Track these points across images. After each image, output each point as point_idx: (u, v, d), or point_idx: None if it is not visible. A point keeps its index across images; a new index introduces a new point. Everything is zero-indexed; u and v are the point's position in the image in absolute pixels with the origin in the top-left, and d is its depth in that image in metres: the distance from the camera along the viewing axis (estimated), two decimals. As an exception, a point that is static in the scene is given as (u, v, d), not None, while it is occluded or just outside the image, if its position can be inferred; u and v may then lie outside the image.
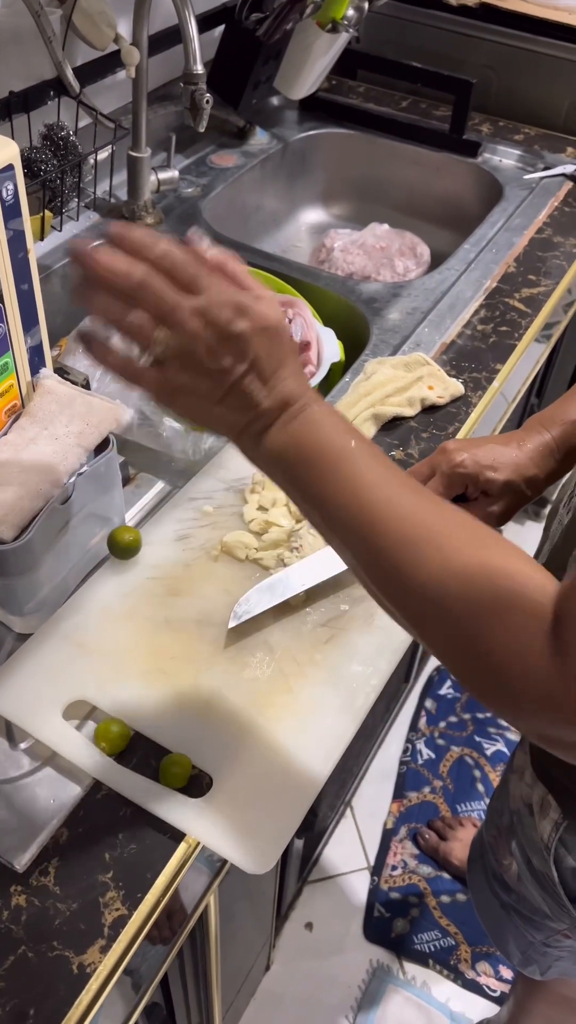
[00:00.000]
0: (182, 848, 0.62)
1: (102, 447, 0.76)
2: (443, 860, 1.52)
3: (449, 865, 1.51)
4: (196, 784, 0.65)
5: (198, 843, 0.62)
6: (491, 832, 0.97)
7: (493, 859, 0.97)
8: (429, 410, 0.98)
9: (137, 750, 0.67)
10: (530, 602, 0.47)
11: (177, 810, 0.63)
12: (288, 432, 0.54)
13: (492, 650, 0.47)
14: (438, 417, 0.97)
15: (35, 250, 1.13)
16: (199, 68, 1.01)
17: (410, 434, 0.95)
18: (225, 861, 0.69)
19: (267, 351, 0.53)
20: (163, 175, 1.26)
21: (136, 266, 0.51)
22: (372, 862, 1.54)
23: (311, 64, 1.39)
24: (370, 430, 0.94)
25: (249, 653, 0.72)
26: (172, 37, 1.28)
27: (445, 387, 0.99)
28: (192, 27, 1.00)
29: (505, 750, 1.69)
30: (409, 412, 0.97)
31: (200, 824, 0.62)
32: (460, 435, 0.95)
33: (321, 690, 0.70)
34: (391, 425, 0.96)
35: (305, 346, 1.06)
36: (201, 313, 0.51)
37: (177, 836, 0.62)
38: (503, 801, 0.91)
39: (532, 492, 0.74)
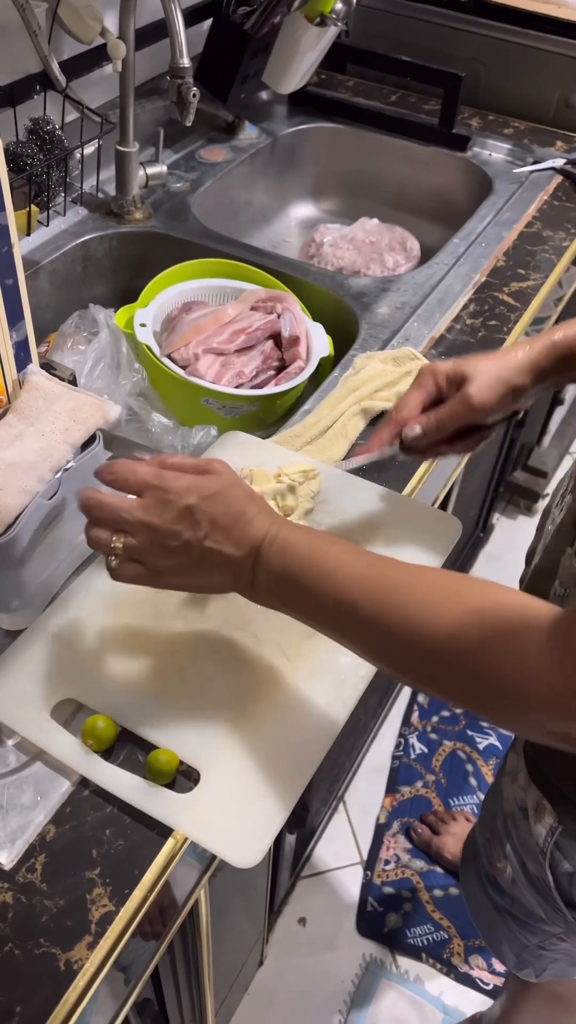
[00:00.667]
0: (169, 844, 0.62)
1: (89, 443, 0.76)
2: (436, 854, 1.52)
3: (442, 859, 1.52)
4: (183, 779, 0.65)
5: (186, 838, 0.62)
6: (484, 834, 0.96)
7: (486, 861, 0.96)
8: (418, 404, 0.98)
9: (124, 746, 0.67)
10: (525, 624, 0.52)
11: (164, 806, 0.63)
12: (268, 569, 0.62)
13: (503, 676, 0.52)
14: (427, 411, 0.97)
15: (22, 245, 1.13)
16: (185, 62, 1.01)
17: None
18: (215, 856, 0.69)
19: (218, 510, 0.62)
20: (151, 170, 1.25)
21: (91, 494, 0.64)
22: (365, 857, 1.54)
23: (299, 58, 1.38)
24: (359, 424, 0.94)
25: (237, 647, 0.72)
26: (159, 31, 1.28)
27: (434, 381, 0.99)
28: (178, 21, 0.99)
29: (498, 744, 1.70)
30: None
31: (187, 819, 0.62)
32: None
33: (309, 682, 0.70)
34: (380, 419, 0.96)
35: (294, 341, 1.06)
36: (144, 510, 0.62)
37: (165, 832, 0.62)
38: (496, 803, 0.90)
39: (509, 385, 0.75)
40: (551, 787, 0.77)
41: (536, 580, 0.77)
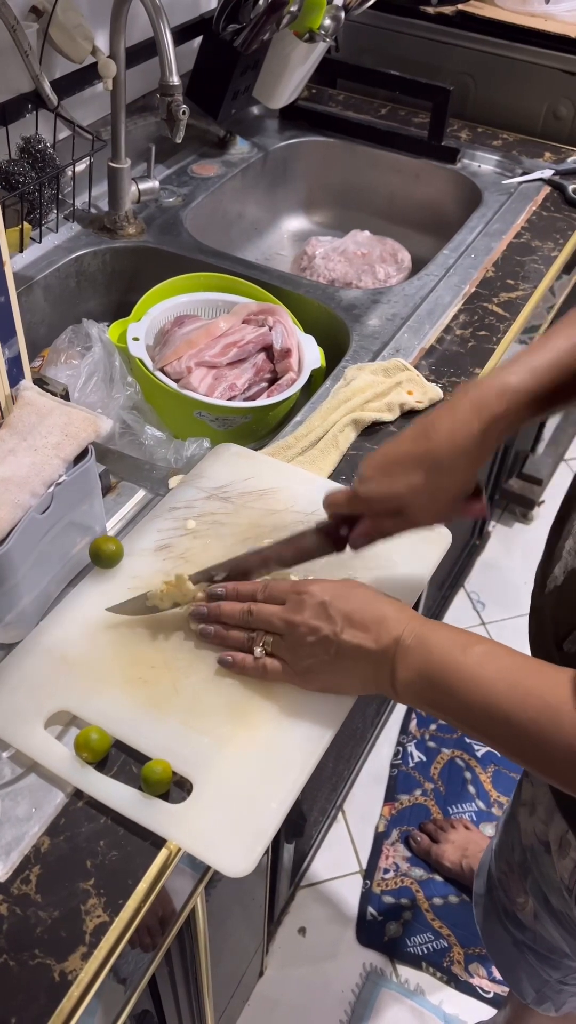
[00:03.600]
0: (163, 854, 0.62)
1: (82, 457, 0.76)
2: (435, 863, 1.52)
3: (441, 867, 1.52)
4: (177, 790, 0.66)
5: (179, 848, 0.63)
6: (501, 867, 0.94)
7: (504, 896, 0.94)
8: (408, 415, 0.99)
9: (118, 758, 0.67)
10: None
11: (157, 816, 0.63)
12: (408, 666, 0.62)
13: None
14: (417, 422, 0.98)
15: (15, 262, 1.14)
16: (175, 80, 1.02)
17: (390, 439, 0.96)
18: (209, 866, 0.69)
19: (352, 606, 0.65)
20: (144, 185, 1.26)
21: (242, 605, 0.71)
22: (364, 866, 1.54)
23: (289, 74, 1.40)
24: (350, 435, 0.95)
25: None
26: (150, 49, 1.29)
27: (424, 392, 1.00)
28: (167, 39, 1.01)
29: (495, 751, 1.70)
30: (389, 417, 0.97)
31: (180, 829, 0.63)
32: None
33: (301, 694, 0.71)
34: (371, 430, 0.97)
35: (286, 353, 1.07)
36: (285, 611, 0.68)
37: (158, 842, 0.63)
38: (513, 836, 0.88)
39: (447, 482, 0.68)
40: None
41: (561, 609, 0.70)
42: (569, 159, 1.46)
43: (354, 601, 0.66)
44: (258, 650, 0.69)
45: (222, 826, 0.63)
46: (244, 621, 0.71)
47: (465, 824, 1.56)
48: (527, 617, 0.76)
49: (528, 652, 0.74)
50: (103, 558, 0.78)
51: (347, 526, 0.74)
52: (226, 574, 0.75)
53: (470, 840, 1.52)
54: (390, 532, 0.73)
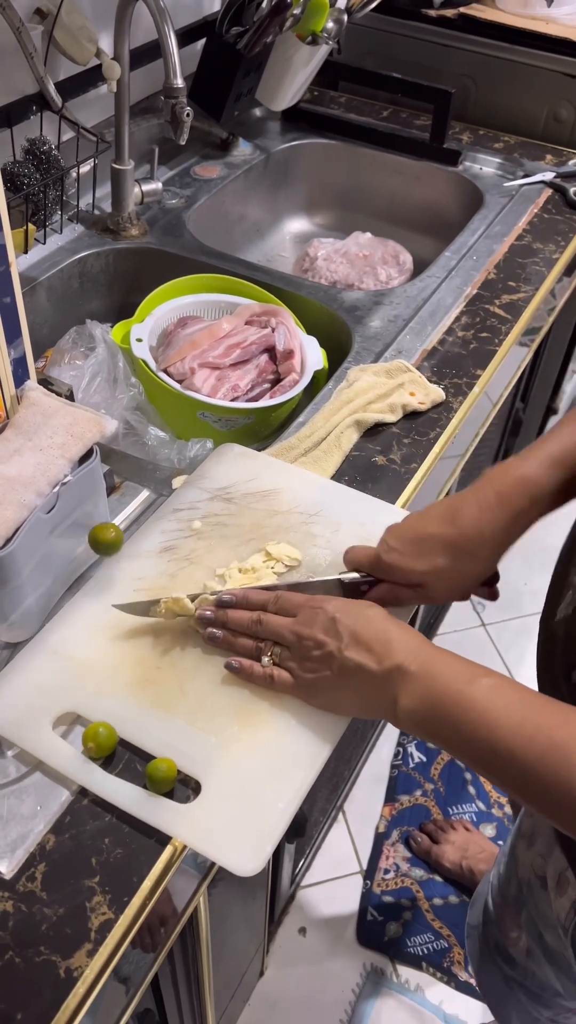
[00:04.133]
0: (168, 851, 0.63)
1: (86, 457, 0.77)
2: (435, 863, 1.52)
3: (441, 868, 1.52)
4: (182, 789, 0.66)
5: (184, 846, 0.63)
6: (496, 900, 0.93)
7: (497, 930, 0.93)
8: (411, 416, 0.99)
9: (123, 756, 0.68)
10: None
11: (163, 815, 0.63)
12: (411, 693, 0.62)
13: None
14: (420, 423, 0.99)
15: (19, 263, 1.15)
16: (179, 82, 1.03)
17: (392, 440, 0.96)
18: (213, 864, 0.70)
19: (360, 624, 0.65)
20: (147, 187, 1.27)
21: (251, 614, 0.71)
22: (364, 866, 1.55)
23: (292, 76, 1.40)
24: (352, 436, 0.95)
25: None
26: (154, 51, 1.30)
27: (426, 393, 1.01)
28: (171, 41, 1.01)
29: (496, 752, 1.70)
30: (391, 418, 0.98)
31: (186, 828, 0.63)
32: (442, 439, 0.97)
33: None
34: (373, 431, 0.97)
35: (289, 354, 1.07)
36: (296, 623, 0.68)
37: (163, 840, 0.63)
38: (510, 869, 0.87)
39: (471, 568, 0.71)
40: None
41: (571, 638, 0.69)
42: (570, 162, 1.47)
43: (363, 620, 0.66)
44: (266, 659, 0.69)
45: (230, 825, 0.63)
46: (252, 630, 0.70)
47: (465, 825, 1.57)
48: (526, 619, 0.76)
49: (534, 666, 0.75)
50: (102, 545, 0.78)
51: (367, 585, 0.75)
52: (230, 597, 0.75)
53: (470, 841, 1.52)
54: (404, 602, 0.74)
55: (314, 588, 0.75)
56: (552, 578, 0.75)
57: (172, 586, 0.78)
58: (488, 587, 0.76)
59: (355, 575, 0.74)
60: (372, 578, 0.74)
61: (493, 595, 0.76)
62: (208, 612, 0.72)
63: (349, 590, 0.75)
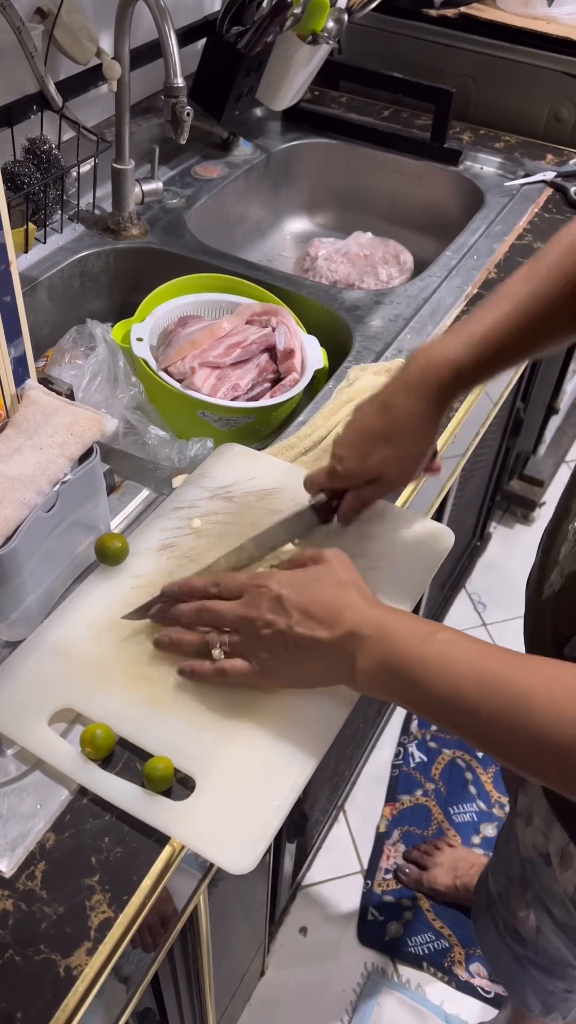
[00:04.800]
0: (167, 851, 0.63)
1: (87, 456, 0.77)
2: (429, 890, 1.49)
3: (437, 894, 1.48)
4: (180, 787, 0.66)
5: (183, 845, 0.63)
6: (500, 881, 0.93)
7: (504, 910, 0.93)
8: (411, 415, 0.99)
9: (122, 755, 0.68)
10: None
11: (161, 813, 0.64)
12: (368, 655, 0.62)
13: None
14: (420, 422, 0.98)
15: (20, 263, 1.15)
16: (179, 82, 1.03)
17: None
18: (213, 863, 0.70)
19: (308, 598, 0.65)
20: (147, 187, 1.27)
21: (191, 604, 0.70)
22: (365, 866, 1.55)
23: (292, 75, 1.40)
24: (353, 436, 0.95)
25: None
26: (154, 51, 1.30)
27: (427, 392, 1.00)
28: (172, 41, 1.01)
29: (497, 752, 1.70)
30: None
31: (183, 826, 0.63)
32: (442, 439, 0.97)
33: (303, 692, 0.71)
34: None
35: (289, 354, 1.07)
36: (241, 606, 0.67)
37: (163, 839, 0.63)
38: (511, 848, 0.87)
39: (414, 448, 0.77)
40: None
41: (560, 613, 0.70)
42: (571, 161, 1.47)
43: (311, 593, 0.65)
44: (216, 652, 0.67)
45: (224, 823, 0.63)
46: (196, 620, 0.69)
47: (448, 842, 1.54)
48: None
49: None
50: (109, 555, 0.78)
51: (337, 501, 0.81)
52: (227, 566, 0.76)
53: (458, 859, 1.50)
54: (371, 499, 0.80)
55: (292, 522, 0.79)
56: (538, 557, 0.77)
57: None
58: (429, 463, 0.81)
59: (322, 496, 0.79)
60: (337, 495, 0.79)
61: (435, 468, 0.83)
62: (158, 611, 0.72)
63: (321, 512, 0.79)
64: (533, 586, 0.76)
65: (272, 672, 0.67)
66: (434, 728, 1.73)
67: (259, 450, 0.93)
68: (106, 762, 0.67)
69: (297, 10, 1.24)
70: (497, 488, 1.79)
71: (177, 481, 0.90)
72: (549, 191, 1.41)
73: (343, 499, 0.79)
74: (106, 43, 1.14)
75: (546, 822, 0.78)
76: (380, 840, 1.57)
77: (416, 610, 1.10)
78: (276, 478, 0.89)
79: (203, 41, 1.37)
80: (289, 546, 0.81)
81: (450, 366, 0.73)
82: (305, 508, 0.79)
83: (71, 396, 0.90)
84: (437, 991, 1.42)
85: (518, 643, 0.73)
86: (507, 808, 1.61)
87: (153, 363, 1.03)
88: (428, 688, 0.59)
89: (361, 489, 0.78)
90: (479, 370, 0.74)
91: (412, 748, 1.70)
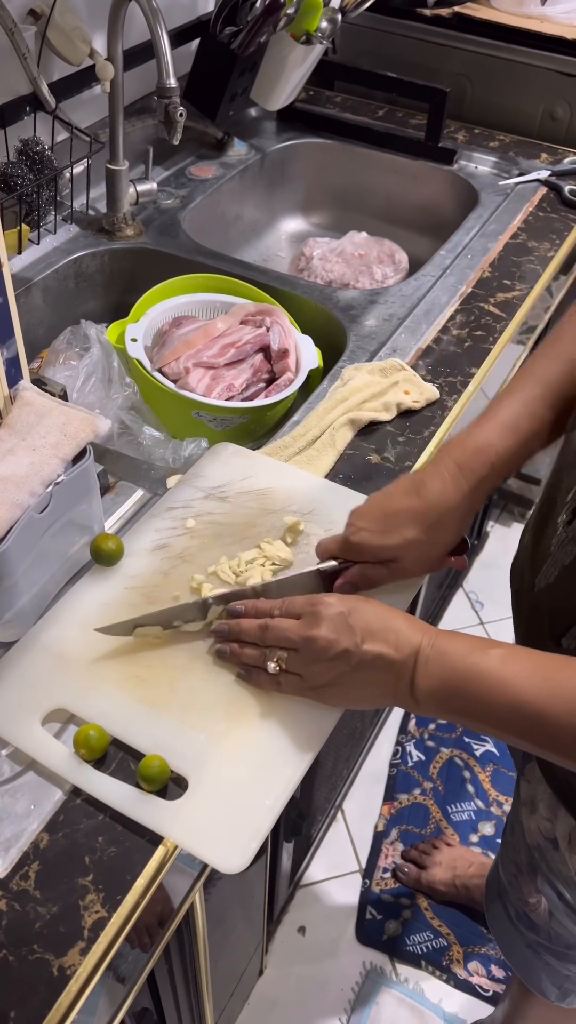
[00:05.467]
0: (160, 850, 0.63)
1: (80, 457, 0.77)
2: (428, 890, 1.49)
3: (436, 893, 1.49)
4: (174, 787, 0.66)
5: (176, 845, 0.63)
6: (509, 870, 0.93)
7: (516, 898, 0.94)
8: (405, 414, 0.99)
9: (116, 756, 0.68)
10: None
11: (154, 813, 0.64)
12: (430, 675, 0.62)
13: None
14: (414, 421, 0.99)
15: (14, 264, 1.15)
16: (172, 82, 1.03)
17: (387, 439, 0.96)
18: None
19: (369, 616, 0.65)
20: (141, 187, 1.27)
21: (259, 621, 0.71)
22: (363, 865, 1.55)
23: (286, 76, 1.40)
24: (347, 435, 0.96)
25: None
26: (147, 51, 1.30)
27: (421, 392, 1.01)
28: (164, 42, 1.01)
29: (494, 751, 1.70)
30: (385, 417, 0.98)
31: (175, 826, 0.63)
32: (436, 438, 0.97)
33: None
34: (368, 430, 0.97)
35: (283, 353, 1.07)
36: (302, 627, 0.67)
37: (156, 838, 0.63)
38: (517, 836, 0.88)
39: (441, 538, 0.73)
40: None
41: (556, 605, 0.70)
42: (565, 160, 1.47)
43: (370, 613, 0.66)
44: (272, 665, 0.68)
45: (217, 823, 0.63)
46: (259, 637, 0.70)
47: (446, 841, 1.54)
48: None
49: None
50: (103, 556, 0.78)
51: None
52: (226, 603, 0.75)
53: (457, 857, 1.50)
54: (377, 582, 0.75)
55: (294, 582, 0.76)
56: (525, 551, 0.77)
57: (165, 584, 0.78)
58: (457, 556, 0.77)
59: (332, 563, 0.75)
60: (348, 563, 0.75)
61: (461, 564, 0.79)
62: (223, 625, 0.73)
63: (328, 579, 0.76)
64: (525, 581, 0.76)
65: (330, 691, 0.68)
66: (432, 727, 1.73)
67: (254, 450, 0.93)
68: (99, 762, 0.67)
69: (290, 10, 1.24)
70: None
71: (171, 481, 0.90)
72: (543, 190, 1.41)
73: (348, 571, 0.75)
74: (99, 44, 1.14)
75: (550, 808, 0.78)
76: (378, 839, 1.57)
77: (413, 609, 1.11)
78: (271, 478, 0.89)
79: (197, 42, 1.37)
80: (279, 543, 0.80)
81: (484, 455, 0.72)
82: (312, 571, 0.76)
83: (65, 397, 0.90)
84: (436, 990, 1.42)
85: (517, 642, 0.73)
86: (504, 807, 1.61)
87: (147, 363, 1.03)
88: (490, 699, 0.59)
89: (371, 568, 0.74)
90: (515, 457, 0.73)
91: (410, 747, 1.70)
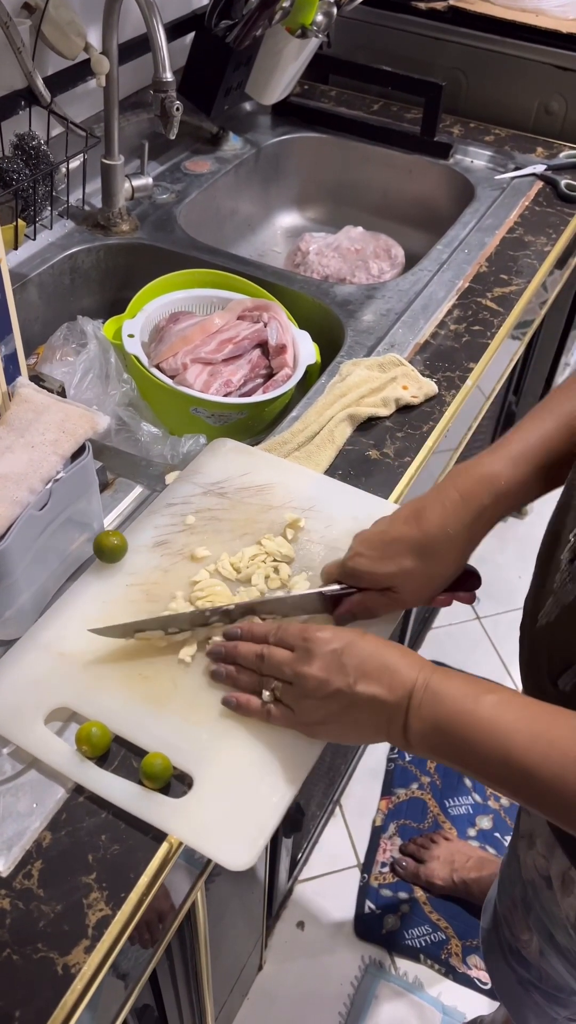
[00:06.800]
0: (164, 847, 0.63)
1: (79, 454, 0.77)
2: (426, 884, 1.49)
3: (434, 887, 1.49)
4: (177, 784, 0.66)
5: (180, 842, 0.63)
6: (505, 903, 0.93)
7: (508, 932, 0.93)
8: (404, 410, 0.99)
9: (118, 753, 0.67)
10: None
11: (158, 810, 0.64)
12: (422, 718, 0.61)
13: None
14: (412, 417, 0.99)
15: (9, 259, 1.14)
16: (168, 76, 1.02)
17: (385, 434, 0.96)
18: (210, 859, 0.70)
19: (364, 654, 0.63)
20: (137, 182, 1.26)
21: (256, 648, 0.69)
22: (362, 860, 1.55)
23: (281, 69, 1.40)
24: (346, 431, 0.95)
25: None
26: (143, 45, 1.29)
27: (419, 387, 1.01)
28: (160, 35, 1.01)
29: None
30: (384, 412, 0.98)
31: (181, 823, 0.63)
32: (435, 433, 0.97)
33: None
34: (367, 425, 0.97)
35: (281, 349, 1.07)
36: (297, 661, 0.65)
37: (159, 836, 0.63)
38: (514, 870, 0.87)
39: (438, 569, 0.72)
40: None
41: (555, 645, 0.68)
42: (561, 154, 1.47)
43: (364, 652, 0.64)
44: (267, 694, 0.67)
45: (223, 820, 0.63)
46: (256, 665, 0.68)
47: (444, 835, 1.55)
48: (521, 612, 0.75)
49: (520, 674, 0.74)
50: (107, 552, 0.78)
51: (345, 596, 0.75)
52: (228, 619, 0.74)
53: (455, 852, 1.50)
54: (376, 612, 0.73)
55: (295, 603, 0.74)
56: (532, 584, 0.74)
57: (165, 581, 0.78)
58: (466, 591, 0.75)
59: (335, 587, 0.74)
60: (352, 589, 0.73)
61: (469, 599, 0.77)
62: (220, 647, 0.71)
63: (329, 602, 0.74)
64: (529, 614, 0.74)
65: (319, 728, 0.66)
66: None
67: (252, 446, 0.93)
68: (102, 760, 0.67)
69: (286, 4, 1.24)
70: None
71: (170, 478, 0.90)
72: (539, 184, 1.40)
73: (348, 599, 0.73)
74: (94, 38, 1.13)
75: (547, 845, 0.77)
76: (376, 834, 1.58)
77: (407, 613, 1.10)
78: (269, 474, 0.89)
79: (192, 35, 1.36)
80: (279, 539, 0.79)
81: (488, 485, 0.69)
82: (314, 594, 0.74)
83: (62, 393, 0.89)
84: (434, 983, 1.42)
85: (512, 635, 0.72)
86: (502, 800, 1.62)
87: (145, 359, 1.03)
88: (479, 749, 0.58)
89: (371, 596, 0.72)
90: (520, 489, 0.70)
91: (407, 742, 1.70)
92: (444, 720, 0.60)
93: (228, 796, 0.64)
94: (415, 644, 1.79)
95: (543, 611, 0.70)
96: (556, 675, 0.66)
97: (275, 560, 0.79)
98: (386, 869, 1.53)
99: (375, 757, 1.68)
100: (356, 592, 0.73)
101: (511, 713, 0.58)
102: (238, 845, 0.62)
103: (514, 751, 0.56)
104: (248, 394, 1.05)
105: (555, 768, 0.55)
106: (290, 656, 0.66)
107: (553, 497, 0.73)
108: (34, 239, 1.18)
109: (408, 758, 1.68)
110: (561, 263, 1.33)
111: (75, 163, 1.19)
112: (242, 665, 0.70)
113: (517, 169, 1.43)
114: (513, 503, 0.71)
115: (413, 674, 0.62)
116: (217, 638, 0.73)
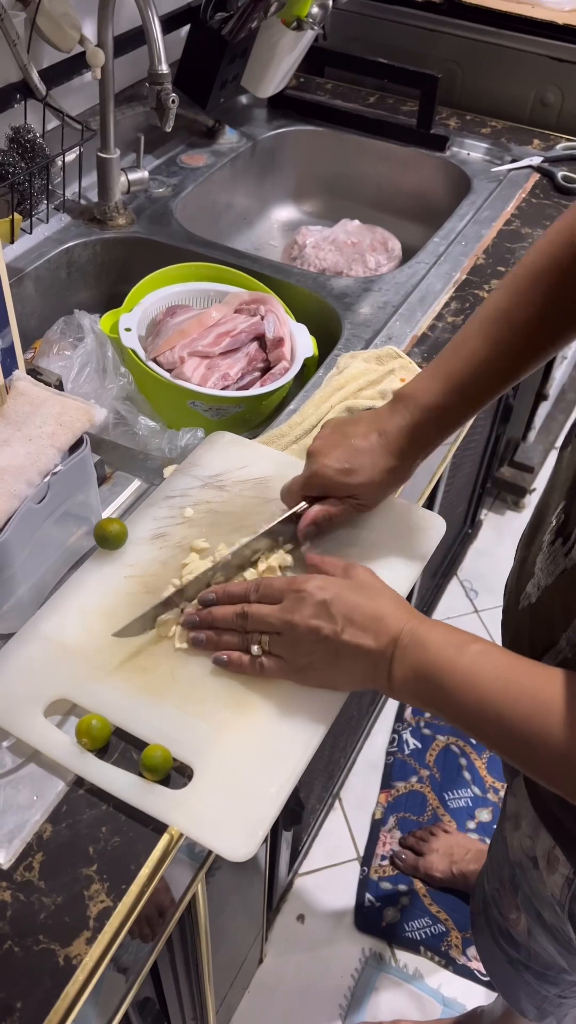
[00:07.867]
0: (164, 839, 0.63)
1: (77, 447, 0.77)
2: (425, 876, 1.50)
3: (433, 880, 1.49)
4: (177, 775, 0.66)
5: (180, 834, 0.63)
6: (493, 884, 0.94)
7: (498, 913, 0.94)
8: (401, 402, 0.99)
9: (118, 745, 0.67)
10: None
11: (158, 802, 0.64)
12: (406, 662, 0.63)
13: None
14: (410, 409, 0.98)
15: (6, 253, 1.14)
16: (164, 68, 1.02)
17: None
18: (210, 852, 0.70)
19: (352, 604, 0.66)
20: (133, 176, 1.26)
21: (235, 608, 0.71)
22: (361, 853, 1.55)
23: (277, 62, 1.39)
24: (343, 423, 0.95)
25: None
26: (138, 38, 1.29)
27: (417, 379, 1.00)
28: (156, 27, 1.00)
29: (490, 738, 1.71)
30: (382, 404, 0.97)
31: (181, 814, 0.63)
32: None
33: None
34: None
35: (278, 342, 1.07)
36: (284, 611, 0.67)
37: (160, 828, 0.63)
38: (501, 851, 0.88)
39: (396, 480, 0.77)
40: (565, 834, 0.73)
41: (537, 626, 0.69)
42: (558, 146, 1.47)
43: (354, 599, 0.67)
44: (255, 648, 0.69)
45: (223, 811, 0.63)
46: (238, 624, 0.70)
47: (444, 828, 1.55)
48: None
49: None
50: (108, 539, 0.78)
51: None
52: (216, 579, 0.75)
53: (454, 844, 1.51)
54: (339, 520, 0.78)
55: (272, 532, 0.77)
56: (514, 565, 0.77)
57: (163, 573, 0.78)
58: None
59: (303, 504, 0.77)
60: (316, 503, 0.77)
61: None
62: (193, 616, 0.72)
63: (296, 524, 0.78)
64: (510, 597, 0.77)
65: (309, 674, 0.68)
66: (428, 714, 1.74)
67: (250, 439, 0.93)
68: (102, 752, 0.67)
69: (281, -4, 1.23)
70: (488, 475, 1.80)
71: (168, 471, 0.90)
72: (536, 176, 1.40)
73: (309, 510, 0.77)
74: (89, 30, 1.13)
75: (532, 826, 0.78)
76: (376, 827, 1.58)
77: (408, 598, 1.10)
78: (267, 466, 0.89)
79: (187, 28, 1.36)
80: (280, 552, 0.79)
81: (435, 413, 0.75)
82: (287, 516, 0.78)
83: (60, 387, 0.89)
84: (434, 975, 1.43)
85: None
86: (501, 793, 1.62)
87: (142, 353, 1.02)
88: (456, 696, 0.60)
89: (333, 504, 0.77)
90: (459, 412, 0.76)
91: (406, 735, 1.70)
92: (425, 667, 0.62)
93: (227, 787, 0.64)
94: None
95: (524, 593, 0.72)
96: (539, 655, 0.67)
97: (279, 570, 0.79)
98: (386, 862, 1.54)
99: (375, 750, 1.69)
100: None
101: (490, 663, 0.60)
102: (238, 836, 0.62)
103: (487, 696, 0.59)
104: (245, 387, 1.05)
105: (524, 711, 0.56)
106: (277, 608, 0.68)
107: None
108: (30, 233, 1.17)
109: (407, 751, 1.68)
110: (558, 255, 1.32)
111: (71, 156, 1.19)
112: (221, 628, 0.71)
113: (513, 161, 1.43)
114: (456, 424, 0.77)
115: (400, 623, 0.64)
116: (190, 609, 0.73)
